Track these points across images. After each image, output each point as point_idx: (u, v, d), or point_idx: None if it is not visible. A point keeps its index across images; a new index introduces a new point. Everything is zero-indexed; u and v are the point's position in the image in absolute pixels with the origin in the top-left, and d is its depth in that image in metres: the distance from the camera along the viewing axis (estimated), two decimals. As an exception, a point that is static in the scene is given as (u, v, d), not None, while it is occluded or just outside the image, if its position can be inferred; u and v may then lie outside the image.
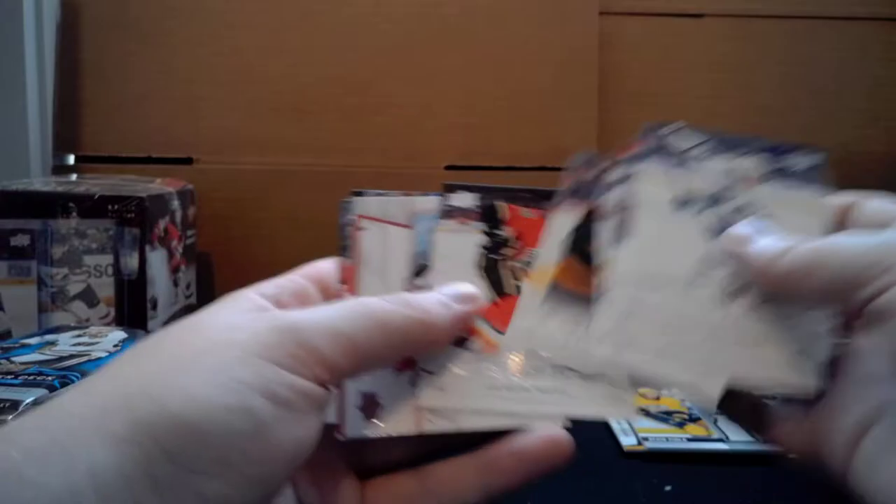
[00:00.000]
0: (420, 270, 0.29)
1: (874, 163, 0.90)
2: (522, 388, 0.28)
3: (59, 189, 0.66)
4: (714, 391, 0.27)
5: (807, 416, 0.27)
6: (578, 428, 0.27)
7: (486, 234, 0.29)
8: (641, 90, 0.90)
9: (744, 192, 0.29)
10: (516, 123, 0.87)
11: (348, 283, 0.28)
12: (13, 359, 0.46)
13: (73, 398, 0.21)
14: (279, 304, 0.26)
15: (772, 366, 0.27)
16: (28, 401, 0.38)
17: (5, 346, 0.50)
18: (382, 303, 0.24)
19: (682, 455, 0.47)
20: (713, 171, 0.30)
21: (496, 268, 0.29)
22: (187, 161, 0.86)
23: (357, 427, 0.26)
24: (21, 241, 0.62)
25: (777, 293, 0.27)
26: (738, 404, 0.28)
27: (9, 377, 0.42)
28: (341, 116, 0.87)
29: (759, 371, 0.27)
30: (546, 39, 0.88)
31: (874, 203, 0.28)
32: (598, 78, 0.88)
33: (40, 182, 0.74)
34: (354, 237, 0.29)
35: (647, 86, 0.90)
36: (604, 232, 0.29)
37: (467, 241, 0.29)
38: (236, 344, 0.21)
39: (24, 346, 0.50)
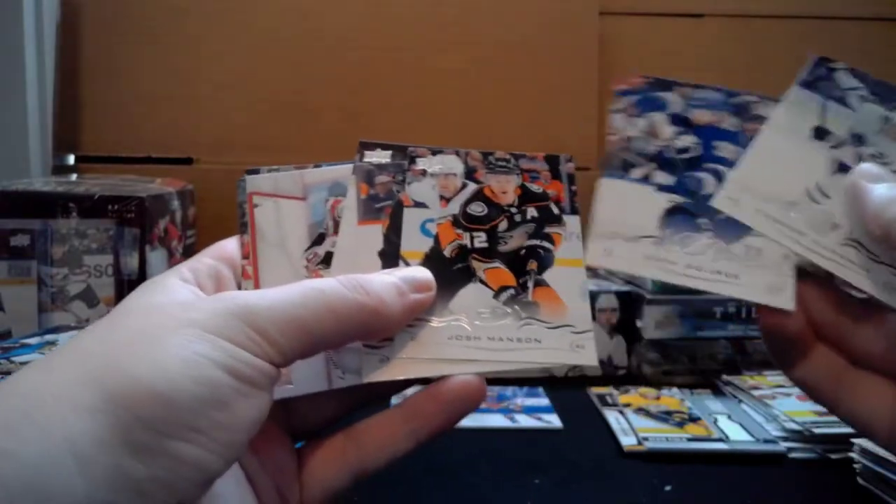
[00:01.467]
0: (319, 239, 0.29)
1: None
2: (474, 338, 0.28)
3: (59, 189, 0.66)
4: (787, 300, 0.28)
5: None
6: (578, 428, 0.27)
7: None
8: (641, 90, 0.90)
9: (887, 143, 0.30)
10: (516, 123, 0.87)
11: (249, 257, 0.29)
12: (13, 359, 0.46)
13: (34, 377, 0.21)
14: (200, 287, 0.27)
15: (870, 280, 0.28)
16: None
17: (5, 346, 0.50)
18: (338, 287, 0.25)
19: (682, 455, 0.47)
20: (865, 115, 0.31)
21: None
22: (187, 161, 0.87)
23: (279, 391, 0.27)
24: (21, 241, 0.62)
25: (880, 239, 0.28)
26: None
27: (9, 377, 0.42)
28: (341, 116, 0.87)
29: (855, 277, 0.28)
30: (546, 39, 0.88)
31: None
32: (598, 78, 0.88)
33: (40, 182, 0.74)
34: (250, 213, 0.30)
35: (647, 86, 0.90)
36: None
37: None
38: (196, 324, 0.22)
39: (24, 346, 0.50)
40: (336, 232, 0.29)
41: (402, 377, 0.27)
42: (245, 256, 0.29)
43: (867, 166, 0.29)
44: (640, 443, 0.49)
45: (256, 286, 0.29)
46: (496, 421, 0.53)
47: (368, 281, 0.26)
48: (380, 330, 0.26)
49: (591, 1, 0.88)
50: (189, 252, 0.76)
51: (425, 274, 0.28)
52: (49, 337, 0.52)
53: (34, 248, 0.63)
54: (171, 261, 0.71)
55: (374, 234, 0.29)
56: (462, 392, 0.27)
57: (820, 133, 0.30)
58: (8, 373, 0.43)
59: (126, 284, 0.64)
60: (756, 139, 0.30)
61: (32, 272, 0.63)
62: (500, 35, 0.88)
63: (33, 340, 0.51)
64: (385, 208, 0.30)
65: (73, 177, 0.83)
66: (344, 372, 0.28)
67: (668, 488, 0.44)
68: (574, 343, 0.28)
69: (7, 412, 0.20)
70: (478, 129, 0.86)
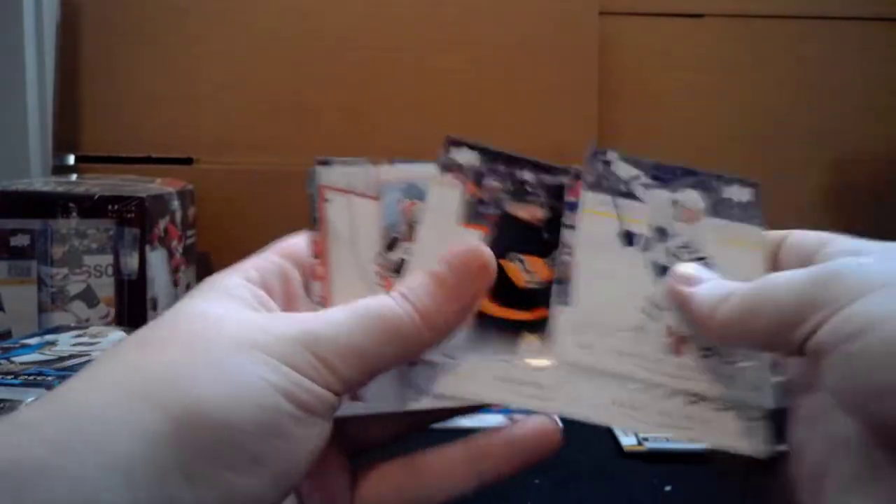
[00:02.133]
0: (392, 244, 0.28)
1: (874, 162, 0.90)
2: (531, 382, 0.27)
3: (59, 189, 0.66)
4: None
5: (776, 472, 0.26)
6: (578, 428, 0.27)
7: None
8: (641, 90, 0.90)
9: (687, 227, 0.29)
10: (516, 123, 0.87)
11: (320, 257, 0.28)
12: (13, 359, 0.46)
13: (85, 388, 0.20)
14: (266, 288, 0.26)
15: (723, 431, 0.27)
16: (28, 401, 0.38)
17: (5, 346, 0.50)
18: (394, 308, 0.24)
19: (682, 455, 0.47)
20: (656, 204, 0.29)
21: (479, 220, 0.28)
22: (187, 161, 0.87)
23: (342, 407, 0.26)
24: (21, 241, 0.62)
25: (720, 342, 0.26)
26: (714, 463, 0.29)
27: (9, 377, 0.42)
28: (341, 116, 0.87)
29: (712, 436, 0.27)
30: (546, 39, 0.88)
31: (797, 236, 0.27)
32: (598, 78, 0.88)
33: (40, 182, 0.74)
34: (321, 209, 0.28)
35: (647, 86, 0.90)
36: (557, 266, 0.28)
37: (456, 197, 0.28)
38: (259, 346, 0.22)
39: (24, 346, 0.50)
40: (410, 237, 0.28)
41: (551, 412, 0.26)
42: (316, 255, 0.28)
43: (680, 269, 0.28)
44: (640, 443, 0.49)
45: (326, 289, 0.27)
46: (496, 421, 0.53)
47: (411, 287, 0.25)
48: (429, 341, 0.25)
49: (591, 1, 0.88)
50: (189, 252, 0.76)
51: (474, 249, 0.26)
52: (49, 337, 0.52)
53: (34, 248, 0.63)
54: (172, 261, 0.71)
55: (472, 239, 0.28)
56: (540, 438, 0.26)
57: (626, 238, 0.29)
58: (8, 373, 0.43)
59: (126, 284, 0.64)
60: (575, 265, 0.28)
61: (32, 272, 0.63)
62: (500, 35, 0.88)
63: (33, 340, 0.51)
64: (488, 216, 0.28)
65: (73, 177, 0.83)
66: (418, 393, 0.27)
67: (668, 488, 0.44)
68: (744, 428, 0.27)
69: (58, 428, 0.19)
70: (478, 129, 0.86)
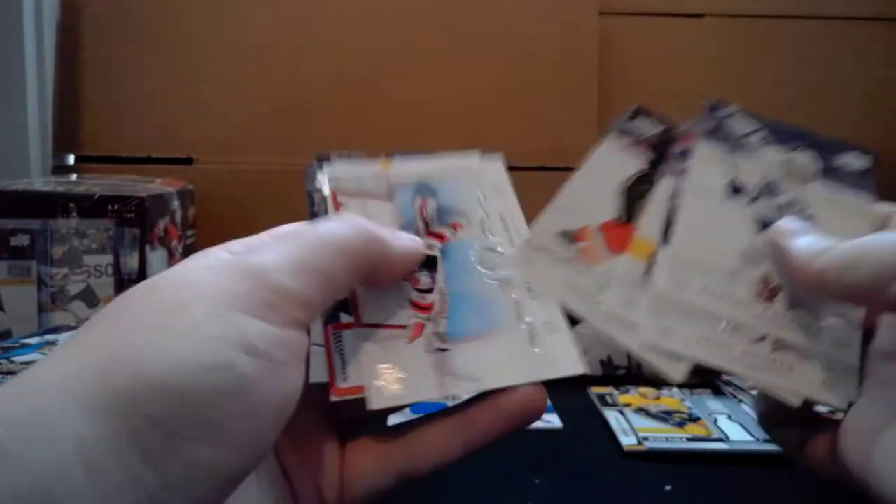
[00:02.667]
0: None
1: (874, 163, 0.90)
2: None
3: (59, 189, 0.66)
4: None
5: (830, 431, 0.27)
6: (578, 428, 0.27)
7: (652, 164, 0.30)
8: (641, 90, 0.90)
9: (796, 187, 0.30)
10: (516, 123, 0.87)
11: None
12: (13, 359, 0.46)
13: (47, 367, 0.19)
14: None
15: (806, 379, 0.27)
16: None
17: (5, 346, 0.50)
18: (336, 226, 0.24)
19: (682, 455, 0.47)
20: (769, 161, 0.30)
21: (639, 196, 0.29)
22: (187, 161, 0.87)
23: (380, 398, 0.25)
24: (21, 241, 0.62)
25: (814, 292, 0.27)
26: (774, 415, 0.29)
27: (9, 377, 0.42)
28: (341, 116, 0.87)
29: (794, 383, 0.27)
30: (546, 39, 0.88)
31: None
32: (598, 78, 0.88)
33: (40, 182, 0.74)
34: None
35: (647, 86, 0.90)
36: (656, 211, 0.29)
37: (627, 163, 0.30)
38: (205, 298, 0.20)
39: (24, 346, 0.50)
40: (428, 233, 0.28)
41: None
42: None
43: (783, 223, 0.28)
44: (640, 443, 0.49)
45: (354, 299, 0.27)
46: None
47: (361, 219, 0.24)
48: (390, 262, 0.25)
49: (591, 1, 0.88)
50: (189, 252, 0.76)
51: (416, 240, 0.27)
52: (49, 337, 0.52)
53: (34, 248, 0.63)
54: (172, 261, 0.71)
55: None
56: (525, 403, 0.26)
57: (735, 189, 0.30)
58: (8, 373, 0.43)
59: (126, 284, 0.64)
60: (680, 207, 0.29)
61: (32, 272, 0.63)
62: (500, 35, 0.88)
63: (33, 340, 0.51)
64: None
65: (73, 177, 0.83)
66: (458, 378, 0.26)
67: (668, 488, 0.44)
68: (827, 380, 0.27)
69: (18, 410, 0.18)
70: (477, 129, 0.86)
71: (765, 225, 0.29)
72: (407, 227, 0.28)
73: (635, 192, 0.29)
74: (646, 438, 0.49)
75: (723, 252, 0.29)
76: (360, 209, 0.28)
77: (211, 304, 0.20)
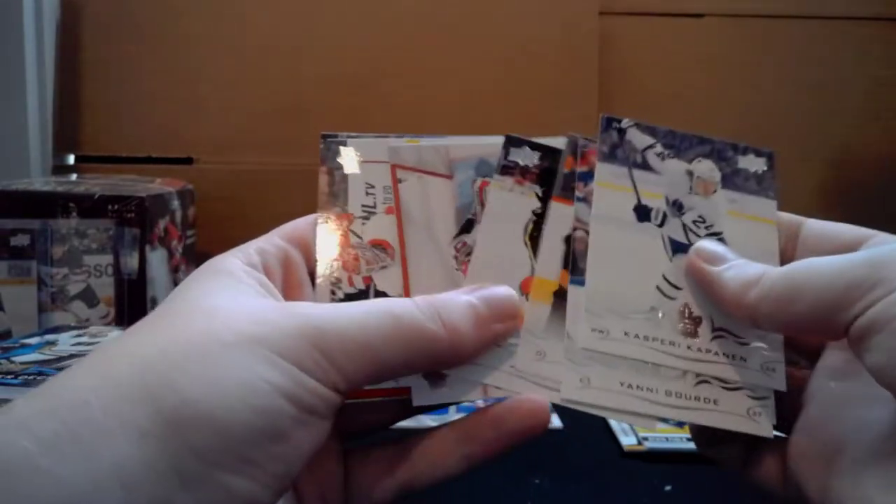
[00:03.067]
0: (467, 227, 0.27)
1: (874, 163, 0.90)
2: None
3: (59, 189, 0.66)
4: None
5: (776, 450, 0.27)
6: (578, 428, 0.27)
7: (541, 199, 0.27)
8: (641, 90, 0.90)
9: (701, 201, 0.28)
10: (516, 123, 0.87)
11: (399, 241, 0.26)
12: (13, 359, 0.46)
13: (83, 380, 0.19)
14: (268, 273, 0.25)
15: (731, 410, 0.26)
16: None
17: (5, 346, 0.50)
18: (413, 312, 0.23)
19: (682, 455, 0.47)
20: (671, 176, 0.28)
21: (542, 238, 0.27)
22: (187, 161, 0.87)
23: (424, 396, 0.25)
24: (21, 241, 0.62)
25: (750, 324, 0.26)
26: (710, 442, 0.29)
27: (9, 377, 0.42)
28: (341, 116, 0.87)
29: (716, 420, 0.26)
30: (546, 39, 0.88)
31: (818, 224, 0.28)
32: (598, 78, 0.88)
33: (40, 182, 0.74)
34: (395, 190, 0.27)
35: (647, 86, 0.90)
36: (550, 244, 0.27)
37: (521, 204, 0.27)
38: (262, 342, 0.21)
39: (24, 346, 0.50)
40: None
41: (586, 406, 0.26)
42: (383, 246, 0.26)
43: (703, 247, 0.27)
44: (640, 443, 0.49)
45: (405, 271, 0.26)
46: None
47: (445, 306, 0.24)
48: (453, 362, 0.24)
49: (591, 1, 0.88)
50: (189, 252, 0.76)
51: (511, 298, 0.25)
52: (49, 337, 0.52)
53: (34, 248, 0.63)
54: (172, 261, 0.71)
55: (564, 216, 0.27)
56: (528, 420, 0.25)
57: (641, 213, 0.28)
58: (8, 373, 0.43)
59: (126, 284, 0.64)
60: (589, 240, 0.27)
61: (32, 272, 0.63)
62: (500, 35, 0.88)
63: (33, 340, 0.51)
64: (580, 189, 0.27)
65: (73, 177, 0.83)
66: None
67: (668, 488, 0.44)
68: (752, 409, 0.26)
69: (52, 424, 0.18)
70: (478, 129, 0.86)
71: (678, 247, 0.28)
72: (464, 209, 0.27)
73: (537, 237, 0.27)
74: (646, 438, 0.49)
75: (639, 287, 0.27)
76: (417, 184, 0.27)
77: (268, 349, 0.21)
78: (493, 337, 0.25)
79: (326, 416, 0.22)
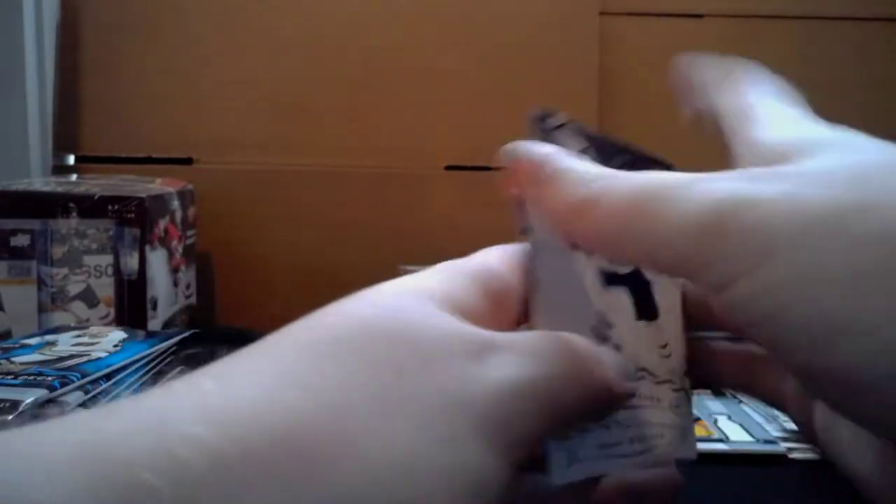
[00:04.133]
0: None
1: (874, 163, 0.90)
2: None
3: (59, 189, 0.66)
4: None
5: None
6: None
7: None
8: (641, 90, 0.90)
9: None
10: (516, 123, 0.87)
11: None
12: (13, 359, 0.46)
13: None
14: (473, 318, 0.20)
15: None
16: (28, 401, 0.38)
17: (5, 346, 0.50)
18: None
19: (682, 455, 0.47)
20: None
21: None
22: (187, 161, 0.86)
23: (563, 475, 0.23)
24: (21, 241, 0.62)
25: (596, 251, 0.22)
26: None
27: (9, 377, 0.42)
28: (341, 116, 0.87)
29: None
30: (546, 39, 0.88)
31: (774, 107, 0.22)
32: (598, 78, 0.88)
33: (40, 182, 0.74)
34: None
35: (647, 86, 0.90)
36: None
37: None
38: (470, 405, 0.17)
39: (24, 346, 0.50)
40: None
41: None
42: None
43: (518, 150, 0.24)
44: (640, 443, 0.49)
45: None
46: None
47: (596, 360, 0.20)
48: (603, 414, 0.22)
49: (591, 1, 0.88)
50: (189, 252, 0.76)
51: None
52: (49, 337, 0.52)
53: (34, 248, 0.63)
54: (172, 261, 0.71)
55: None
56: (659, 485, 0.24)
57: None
58: (8, 373, 0.43)
59: (126, 284, 0.64)
60: (536, 284, 0.24)
61: (32, 272, 0.63)
62: (500, 35, 0.88)
63: (33, 340, 0.51)
64: None
65: (73, 177, 0.83)
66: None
67: (668, 488, 0.44)
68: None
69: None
70: (478, 129, 0.86)
71: (609, 279, 0.25)
72: None
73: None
74: (646, 438, 0.49)
75: (579, 330, 0.23)
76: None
77: (475, 420, 0.17)
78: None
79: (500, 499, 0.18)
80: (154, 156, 0.86)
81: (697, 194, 0.18)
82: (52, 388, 0.40)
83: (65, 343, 0.51)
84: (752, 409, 0.54)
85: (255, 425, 0.15)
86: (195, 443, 0.14)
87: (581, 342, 0.21)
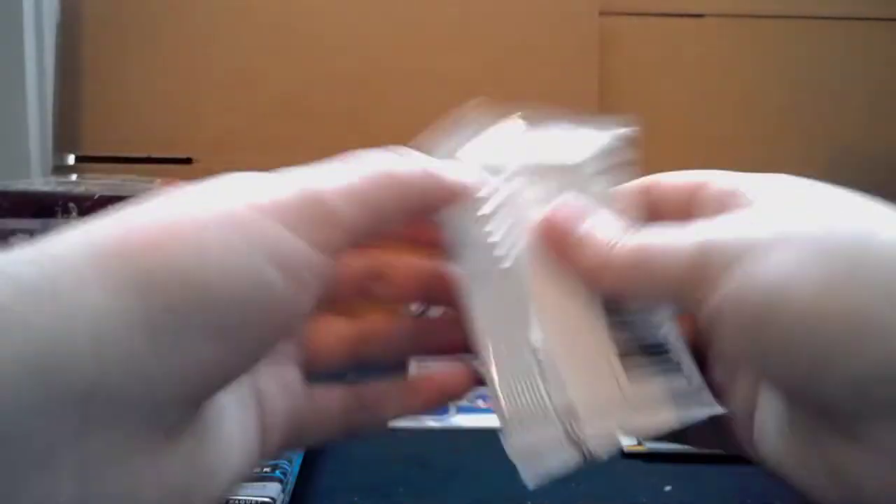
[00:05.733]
0: None
1: (875, 164, 0.90)
2: None
3: (59, 189, 0.66)
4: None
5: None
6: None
7: None
8: (641, 90, 0.90)
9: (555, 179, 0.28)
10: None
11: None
12: (13, 359, 0.46)
13: (72, 237, 0.19)
14: None
15: (647, 412, 0.26)
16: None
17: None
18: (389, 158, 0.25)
19: (682, 455, 0.47)
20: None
21: None
22: (187, 161, 0.87)
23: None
24: (21, 241, 0.62)
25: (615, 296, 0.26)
26: None
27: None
28: (341, 116, 0.87)
29: (638, 421, 0.26)
30: (546, 39, 0.88)
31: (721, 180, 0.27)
32: (598, 78, 0.88)
33: (40, 182, 0.74)
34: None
35: (647, 86, 0.90)
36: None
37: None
38: (253, 206, 0.20)
39: (24, 346, 0.50)
40: None
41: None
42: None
43: (556, 215, 0.29)
44: (640, 443, 0.49)
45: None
46: (497, 421, 0.53)
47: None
48: (444, 197, 0.26)
49: (591, 1, 0.88)
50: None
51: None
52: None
53: (34, 248, 0.62)
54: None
55: None
56: (456, 380, 0.28)
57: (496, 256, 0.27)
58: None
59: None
60: (470, 314, 0.27)
61: (32, 272, 0.62)
62: (500, 35, 0.88)
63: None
64: None
65: (73, 177, 0.83)
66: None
67: (668, 488, 0.44)
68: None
69: (32, 268, 0.18)
70: (478, 129, 0.86)
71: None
72: None
73: None
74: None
75: (518, 355, 0.26)
76: None
77: (257, 211, 0.20)
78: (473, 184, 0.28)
79: (312, 282, 0.21)
80: (154, 156, 0.86)
81: (682, 242, 0.23)
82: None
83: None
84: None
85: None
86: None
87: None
